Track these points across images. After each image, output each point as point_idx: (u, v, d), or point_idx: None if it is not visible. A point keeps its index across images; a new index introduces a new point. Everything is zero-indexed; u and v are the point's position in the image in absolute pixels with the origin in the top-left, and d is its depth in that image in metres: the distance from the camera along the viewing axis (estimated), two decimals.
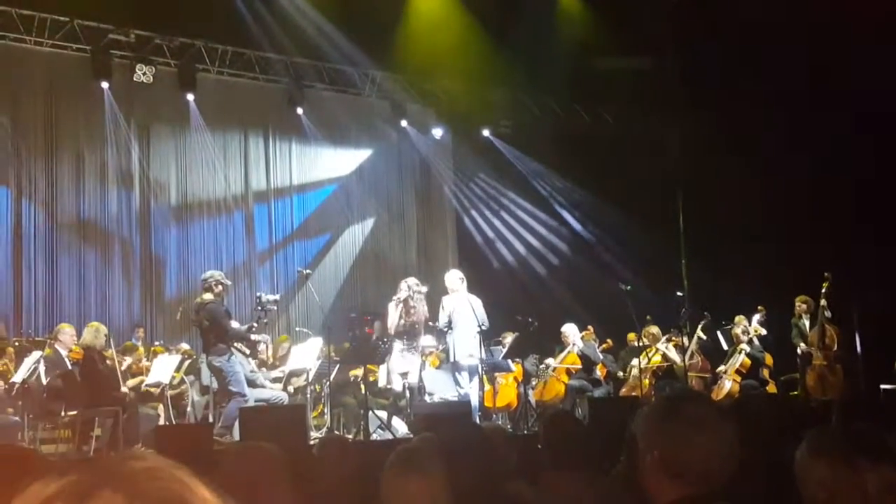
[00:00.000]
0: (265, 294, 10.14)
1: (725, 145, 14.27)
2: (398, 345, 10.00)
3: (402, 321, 10.03)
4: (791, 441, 2.62)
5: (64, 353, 9.63)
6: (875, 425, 2.42)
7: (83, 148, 13.87)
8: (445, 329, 10.22)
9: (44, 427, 9.67)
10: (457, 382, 10.19)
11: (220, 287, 9.55)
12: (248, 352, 9.80)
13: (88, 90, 13.66)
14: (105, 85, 13.62)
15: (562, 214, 17.23)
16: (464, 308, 10.13)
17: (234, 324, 9.71)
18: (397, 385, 10.16)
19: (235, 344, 9.50)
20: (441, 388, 10.54)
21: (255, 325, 9.68)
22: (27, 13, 12.92)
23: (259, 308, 9.74)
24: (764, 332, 12.00)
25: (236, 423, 8.51)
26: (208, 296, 9.43)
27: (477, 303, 10.21)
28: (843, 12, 11.68)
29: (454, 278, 10.47)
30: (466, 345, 10.04)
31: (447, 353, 10.50)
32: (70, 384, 9.33)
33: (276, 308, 9.99)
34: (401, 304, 10.06)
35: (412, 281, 10.32)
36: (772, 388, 11.65)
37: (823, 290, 11.13)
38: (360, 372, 10.75)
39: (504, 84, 16.31)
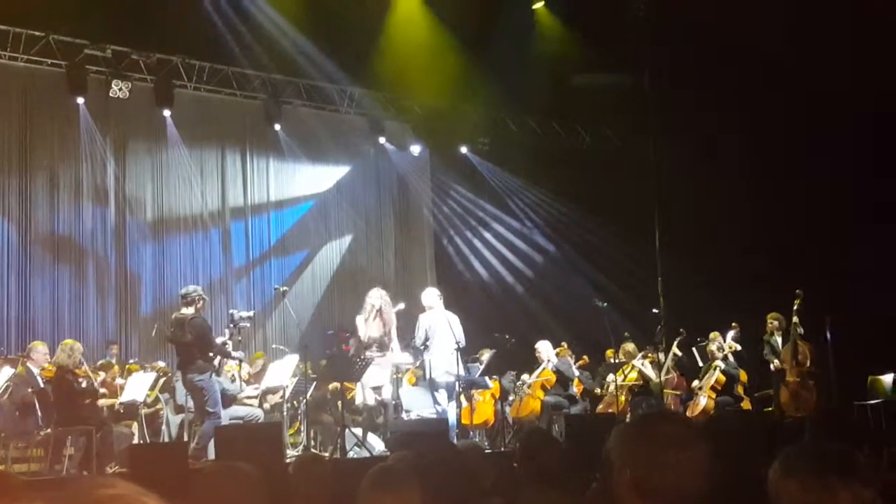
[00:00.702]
0: (238, 311, 10.10)
1: (702, 162, 14.38)
2: (371, 354, 10.00)
3: (378, 332, 10.06)
4: (765, 458, 2.63)
5: (36, 370, 9.55)
6: (848, 442, 2.44)
7: (58, 163, 13.77)
8: (422, 347, 10.23)
9: (15, 446, 9.57)
10: (435, 400, 10.18)
11: (201, 302, 9.45)
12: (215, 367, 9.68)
13: (64, 105, 13.58)
14: (81, 100, 13.55)
15: (539, 231, 17.27)
16: (441, 326, 10.14)
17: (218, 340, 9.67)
18: (371, 400, 10.15)
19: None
20: (418, 406, 10.53)
21: (229, 341, 9.63)
22: (2, 28, 12.84)
23: (232, 325, 9.69)
24: (739, 347, 12.06)
25: (211, 444, 8.46)
26: (190, 310, 9.30)
27: (454, 320, 10.23)
28: (826, 33, 11.83)
29: (431, 296, 10.50)
30: (443, 362, 10.05)
31: (424, 370, 10.50)
32: (43, 402, 9.24)
33: (249, 325, 9.92)
34: (375, 314, 10.09)
35: (381, 291, 10.37)
36: (746, 404, 11.71)
37: (795, 307, 11.21)
38: (336, 385, 10.74)
39: (482, 101, 16.37)
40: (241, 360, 10.49)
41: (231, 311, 10.16)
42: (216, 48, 13.96)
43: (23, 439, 9.44)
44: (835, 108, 12.81)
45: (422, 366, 10.62)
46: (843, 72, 12.26)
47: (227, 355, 9.66)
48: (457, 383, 10.47)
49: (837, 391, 11.13)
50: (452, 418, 10.06)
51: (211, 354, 9.36)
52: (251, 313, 10.34)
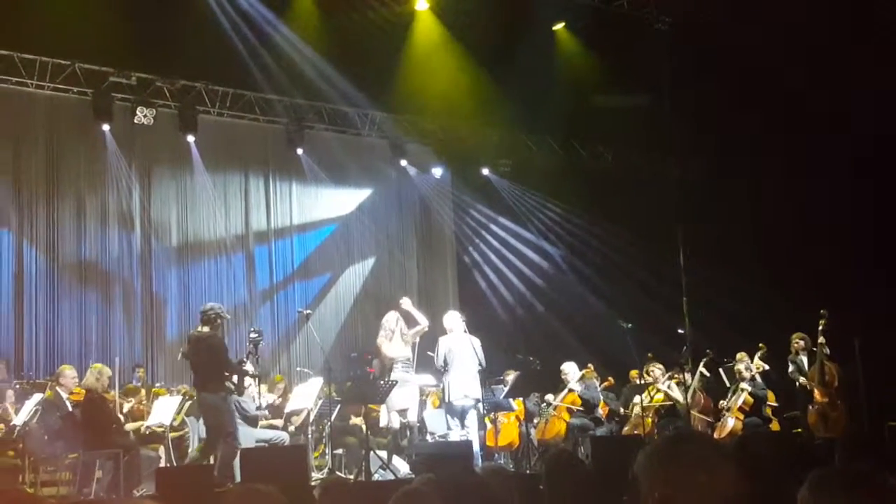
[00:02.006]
0: (253, 330, 10.03)
1: (725, 182, 14.34)
2: (399, 372, 10.01)
3: (401, 351, 10.11)
4: (794, 480, 2.61)
5: (65, 395, 9.62)
6: (878, 464, 2.42)
7: (84, 190, 13.91)
8: (441, 369, 10.24)
9: (45, 469, 9.63)
10: (447, 424, 10.15)
11: (219, 321, 9.32)
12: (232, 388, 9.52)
13: (89, 133, 13.73)
14: (106, 127, 13.69)
15: (561, 252, 17.24)
16: (461, 349, 10.12)
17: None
18: (396, 422, 10.15)
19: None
20: (442, 428, 10.51)
21: (246, 360, 9.49)
22: (29, 57, 13.03)
23: (249, 343, 9.61)
24: (767, 367, 11.96)
25: (237, 465, 8.46)
26: (207, 329, 9.20)
27: (476, 343, 10.22)
28: (844, 53, 11.81)
29: (452, 319, 10.48)
30: (462, 385, 10.02)
31: (443, 393, 10.50)
32: (71, 426, 9.29)
33: (259, 338, 9.75)
34: (398, 328, 10.15)
35: (396, 314, 10.43)
36: (775, 425, 11.59)
37: (821, 328, 11.11)
38: (360, 421, 10.75)
39: (503, 123, 16.40)
40: (257, 376, 10.21)
41: (251, 329, 10.12)
42: (239, 74, 14.08)
43: (52, 463, 9.50)
44: (864, 126, 12.73)
45: (442, 389, 10.61)
46: (870, 91, 12.20)
47: (246, 374, 9.52)
48: (481, 405, 10.47)
49: (868, 412, 11.00)
50: (475, 440, 10.04)
51: (227, 374, 9.21)
52: (258, 329, 10.23)
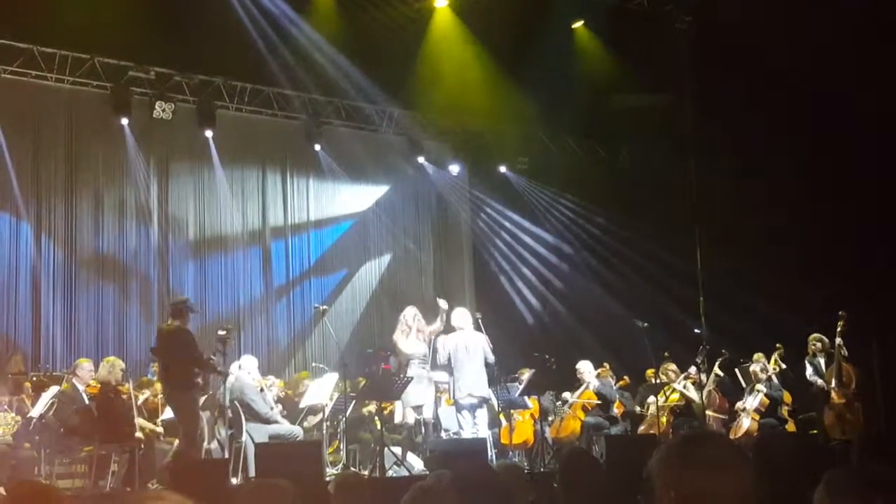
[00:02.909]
0: (223, 327, 9.65)
1: (743, 182, 14.24)
2: (416, 369, 10.00)
3: (418, 348, 10.10)
4: (810, 481, 2.59)
5: (81, 387, 9.66)
6: (894, 466, 2.40)
7: (102, 184, 13.97)
8: (442, 366, 10.22)
9: (60, 462, 9.68)
10: (458, 423, 10.13)
11: (189, 314, 9.08)
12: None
13: (108, 127, 13.78)
14: (125, 121, 13.74)
15: (578, 251, 17.20)
16: (466, 347, 10.09)
17: None
18: (411, 419, 10.15)
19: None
20: (457, 425, 10.51)
21: (213, 356, 9.10)
22: (49, 51, 13.09)
23: (217, 341, 9.12)
24: (784, 366, 11.91)
25: (252, 460, 8.45)
26: (178, 322, 8.93)
27: (484, 340, 10.18)
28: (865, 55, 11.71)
29: (461, 316, 10.43)
30: (468, 383, 10.00)
31: (449, 391, 10.48)
32: (87, 419, 9.33)
33: (228, 337, 9.40)
34: (415, 325, 10.15)
35: (415, 310, 10.41)
36: (791, 426, 11.54)
37: (839, 329, 11.05)
38: (373, 407, 10.76)
39: (521, 120, 16.37)
40: (222, 374, 9.86)
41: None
42: (257, 69, 14.11)
43: (67, 455, 9.54)
44: (888, 129, 12.62)
45: (449, 386, 10.58)
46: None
47: (214, 370, 9.24)
48: (495, 402, 10.46)
49: (885, 414, 10.93)
50: (485, 436, 10.04)
51: (197, 370, 8.96)
52: (227, 326, 9.84)
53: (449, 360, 10.13)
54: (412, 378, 9.78)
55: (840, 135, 13.21)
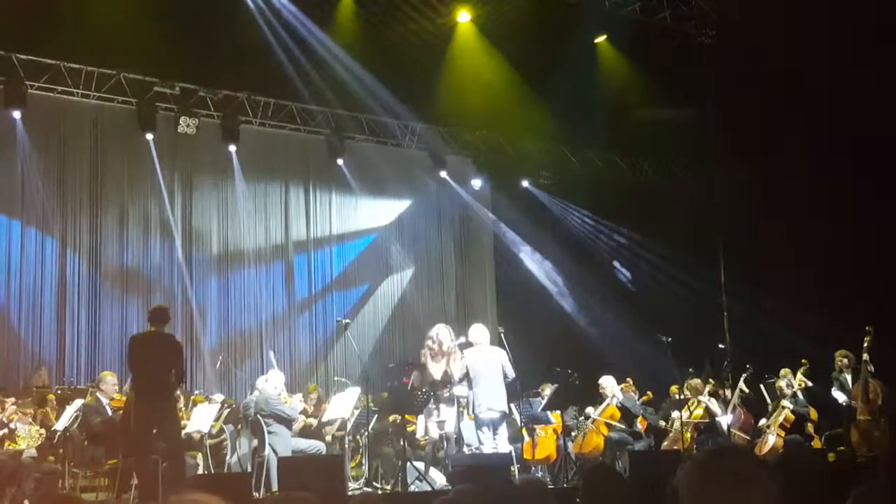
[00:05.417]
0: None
1: (766, 196, 14.18)
2: (440, 394, 9.92)
3: (440, 374, 9.96)
4: (836, 499, 2.56)
5: (105, 401, 9.70)
6: None
7: (127, 198, 14.07)
8: (461, 382, 10.11)
9: (84, 475, 9.72)
10: (478, 438, 10.03)
11: (169, 321, 8.93)
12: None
13: (133, 141, 13.89)
14: (150, 136, 13.84)
15: (602, 265, 17.16)
16: (484, 363, 9.96)
17: None
18: (434, 433, 10.08)
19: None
20: (477, 440, 10.44)
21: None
22: (75, 66, 13.24)
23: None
24: (810, 383, 11.80)
25: (274, 473, 8.44)
26: (164, 329, 8.70)
27: (503, 355, 10.07)
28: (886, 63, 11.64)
29: (478, 332, 10.31)
30: (487, 399, 9.90)
31: (468, 406, 10.38)
32: (111, 432, 9.36)
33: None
34: (442, 355, 9.99)
35: (447, 330, 10.22)
36: (817, 443, 11.42)
37: (865, 345, 10.93)
38: (396, 417, 10.72)
39: (543, 135, 16.38)
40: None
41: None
42: (281, 85, 14.21)
43: (91, 468, 9.58)
44: None
45: (468, 400, 10.47)
46: None
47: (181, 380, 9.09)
48: (517, 417, 10.38)
49: None
50: (507, 451, 9.96)
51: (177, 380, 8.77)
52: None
53: (467, 373, 10.04)
54: (433, 393, 9.72)
55: (867, 150, 13.13)
